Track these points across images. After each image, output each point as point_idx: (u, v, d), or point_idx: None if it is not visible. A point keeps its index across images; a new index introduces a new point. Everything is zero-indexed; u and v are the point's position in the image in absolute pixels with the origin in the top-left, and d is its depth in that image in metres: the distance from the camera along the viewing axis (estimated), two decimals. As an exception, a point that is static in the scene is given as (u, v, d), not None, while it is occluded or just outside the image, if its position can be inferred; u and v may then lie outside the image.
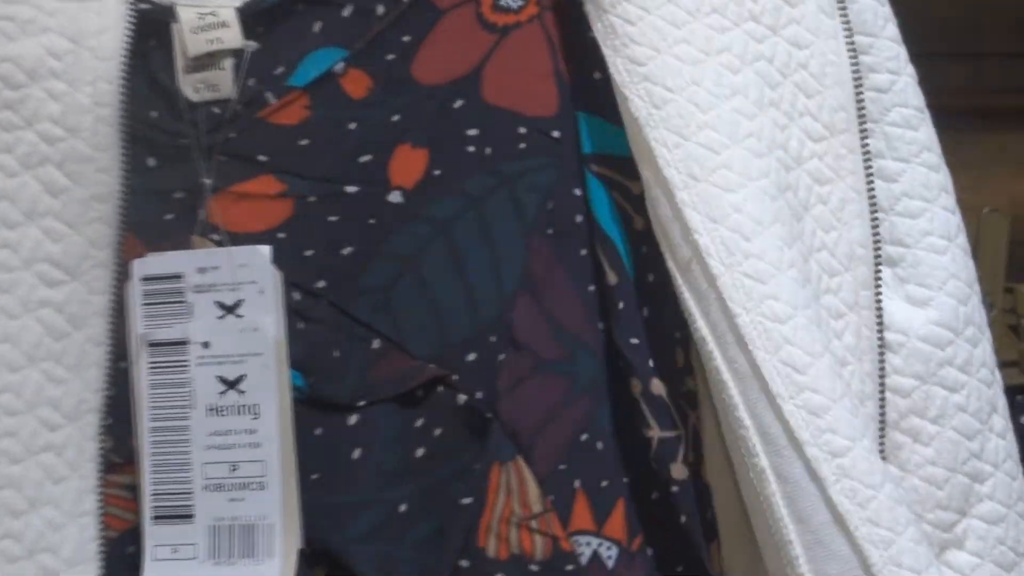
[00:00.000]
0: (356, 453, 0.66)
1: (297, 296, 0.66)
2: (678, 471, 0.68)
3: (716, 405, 0.67)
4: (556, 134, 0.68)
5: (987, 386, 0.75)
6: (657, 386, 0.68)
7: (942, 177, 0.76)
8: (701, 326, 0.65)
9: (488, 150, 0.67)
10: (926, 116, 0.76)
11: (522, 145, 0.67)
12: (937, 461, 0.73)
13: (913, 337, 0.74)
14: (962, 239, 0.76)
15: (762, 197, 0.66)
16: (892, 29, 0.75)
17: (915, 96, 0.76)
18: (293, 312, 0.66)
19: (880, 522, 0.65)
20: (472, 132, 0.67)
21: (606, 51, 0.67)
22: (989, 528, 0.74)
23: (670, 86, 0.66)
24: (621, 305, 0.68)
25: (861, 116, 0.73)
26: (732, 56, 0.68)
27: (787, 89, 0.70)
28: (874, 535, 0.65)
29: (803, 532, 0.65)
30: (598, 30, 0.67)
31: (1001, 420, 0.76)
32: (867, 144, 0.73)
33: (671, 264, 0.66)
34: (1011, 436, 0.76)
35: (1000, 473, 0.75)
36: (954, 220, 0.75)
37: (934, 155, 0.75)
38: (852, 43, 0.73)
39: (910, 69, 0.76)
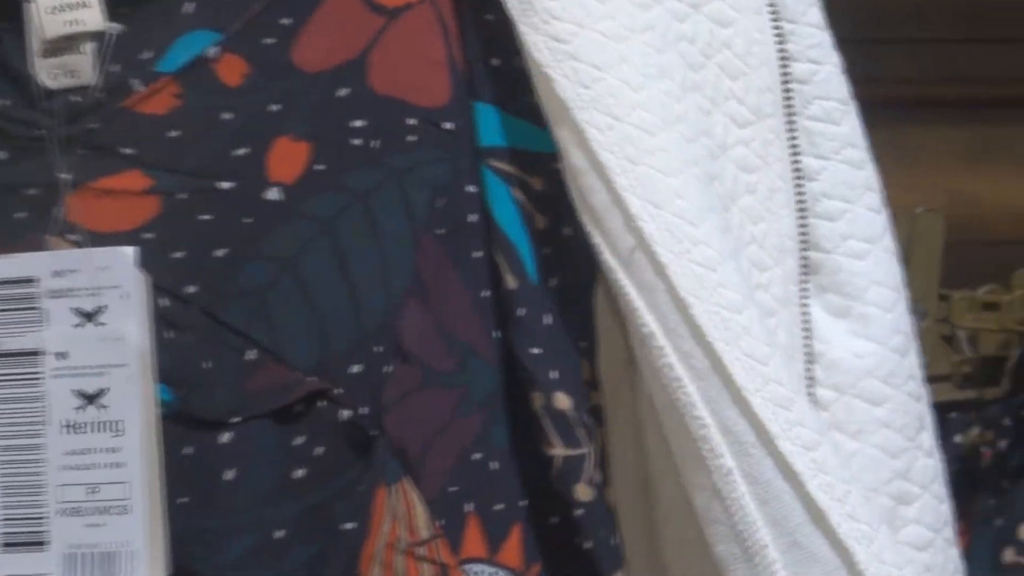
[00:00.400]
0: (229, 474, 0.64)
1: (165, 302, 0.64)
2: (583, 492, 0.66)
3: (661, 409, 0.65)
4: (448, 126, 0.65)
5: (915, 400, 0.74)
6: (561, 400, 0.66)
7: (866, 174, 0.74)
8: (649, 321, 0.63)
9: (375, 143, 0.65)
10: (850, 109, 0.74)
11: (411, 137, 0.65)
12: (858, 480, 0.71)
13: (834, 345, 0.73)
14: (887, 241, 0.74)
15: (697, 184, 0.65)
16: (815, 15, 0.73)
17: (839, 88, 0.74)
18: (160, 319, 0.64)
19: (859, 517, 0.64)
20: (358, 123, 0.65)
21: (523, 29, 0.64)
22: (916, 554, 0.73)
23: (598, 64, 0.64)
24: (521, 312, 0.66)
25: (787, 98, 0.72)
26: (656, 35, 0.67)
27: (711, 71, 0.69)
28: (856, 531, 0.64)
29: (778, 535, 0.63)
30: (513, 7, 0.65)
31: (929, 438, 0.74)
32: (794, 128, 0.73)
33: (608, 257, 0.63)
34: (938, 454, 0.75)
35: (928, 495, 0.73)
36: (879, 221, 0.74)
37: (858, 151, 0.74)
38: (776, 18, 0.72)
39: (835, 58, 0.74)
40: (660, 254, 0.63)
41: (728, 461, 0.63)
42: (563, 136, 0.64)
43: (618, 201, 0.63)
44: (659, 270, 0.63)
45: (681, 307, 0.63)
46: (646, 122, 0.64)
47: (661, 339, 0.63)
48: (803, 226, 0.72)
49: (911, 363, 0.74)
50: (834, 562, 0.64)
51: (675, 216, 0.64)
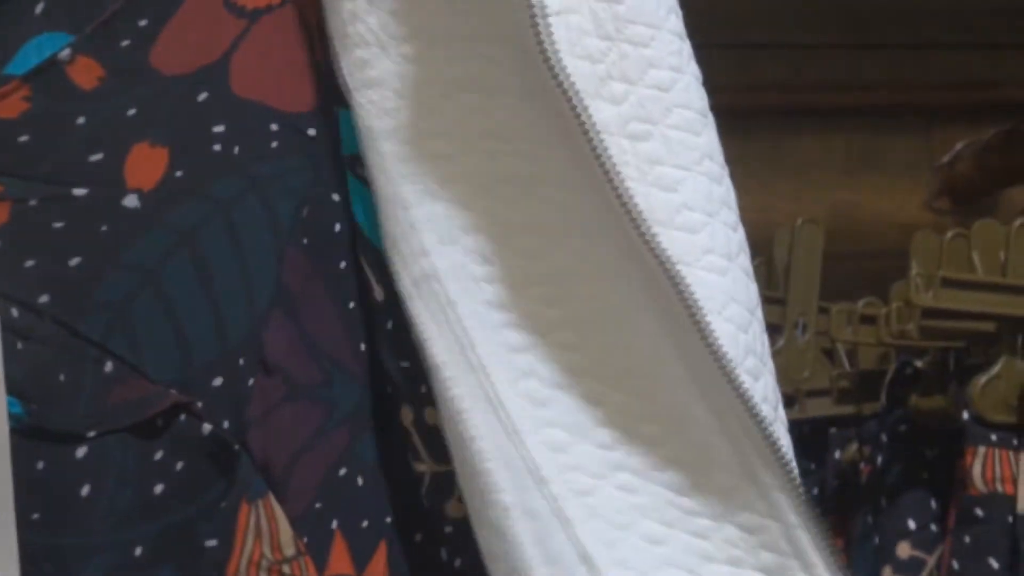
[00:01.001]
0: (85, 489, 0.62)
1: (15, 312, 0.62)
2: (454, 509, 0.66)
3: (451, 441, 0.65)
4: (312, 132, 0.65)
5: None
6: (432, 415, 0.65)
7: (724, 190, 0.72)
8: (438, 351, 0.63)
9: (236, 149, 0.64)
10: (710, 121, 0.72)
11: (274, 144, 0.64)
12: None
13: None
14: (744, 260, 0.72)
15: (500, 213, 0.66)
16: (675, 22, 0.72)
17: (699, 98, 0.72)
18: (10, 330, 0.62)
19: (629, 564, 0.65)
20: (219, 128, 0.64)
21: (337, 49, 0.66)
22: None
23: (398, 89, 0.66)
24: (389, 324, 0.65)
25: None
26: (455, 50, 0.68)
27: None
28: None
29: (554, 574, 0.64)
30: (334, 26, 0.66)
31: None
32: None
33: (403, 284, 0.64)
34: None
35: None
36: (735, 238, 0.72)
37: (716, 165, 0.72)
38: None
39: (694, 68, 0.73)
40: (450, 290, 0.64)
41: (507, 497, 0.63)
42: (371, 161, 0.66)
43: (414, 230, 0.64)
44: (449, 303, 0.64)
45: (468, 343, 0.64)
46: (444, 150, 0.65)
47: (449, 370, 0.64)
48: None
49: (764, 386, 0.72)
50: None
51: (465, 254, 0.65)
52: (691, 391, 0.69)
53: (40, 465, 0.62)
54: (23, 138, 0.63)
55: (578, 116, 0.68)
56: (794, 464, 0.69)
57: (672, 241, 0.69)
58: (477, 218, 0.64)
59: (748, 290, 0.71)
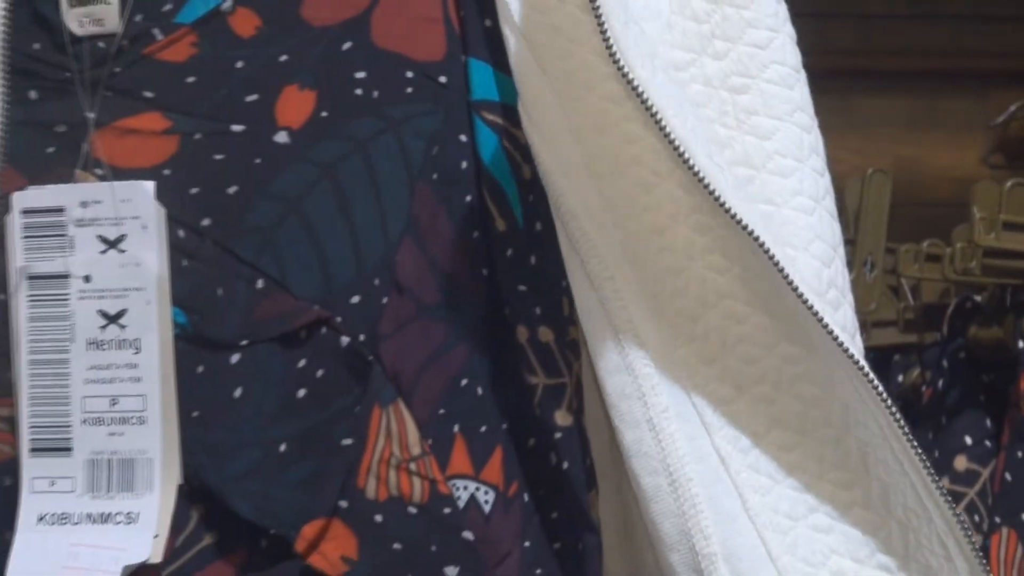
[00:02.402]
0: (237, 392, 0.62)
1: (181, 233, 0.62)
2: (562, 418, 0.66)
3: (597, 356, 0.65)
4: (443, 79, 0.64)
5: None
6: (545, 333, 0.65)
7: (813, 139, 0.71)
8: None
9: (375, 93, 0.63)
10: (802, 76, 0.71)
11: (409, 89, 0.63)
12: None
13: None
14: (830, 202, 0.71)
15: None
16: None
17: (792, 55, 0.71)
18: (177, 249, 0.62)
19: (759, 469, 0.65)
20: (360, 75, 0.63)
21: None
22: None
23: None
24: (509, 252, 0.65)
25: None
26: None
27: None
28: (753, 480, 0.65)
29: (703, 472, 0.65)
30: None
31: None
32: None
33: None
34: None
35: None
36: (823, 182, 0.71)
37: (807, 116, 0.71)
38: None
39: (789, 28, 0.71)
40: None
41: (664, 399, 0.63)
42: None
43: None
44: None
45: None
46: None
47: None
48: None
49: (844, 316, 0.70)
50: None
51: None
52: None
53: (200, 369, 0.62)
54: (190, 79, 0.62)
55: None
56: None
57: (764, 184, 0.68)
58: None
59: (832, 229, 0.70)
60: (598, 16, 0.61)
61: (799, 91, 0.70)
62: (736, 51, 0.69)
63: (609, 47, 0.61)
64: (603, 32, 0.61)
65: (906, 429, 0.65)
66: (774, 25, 0.70)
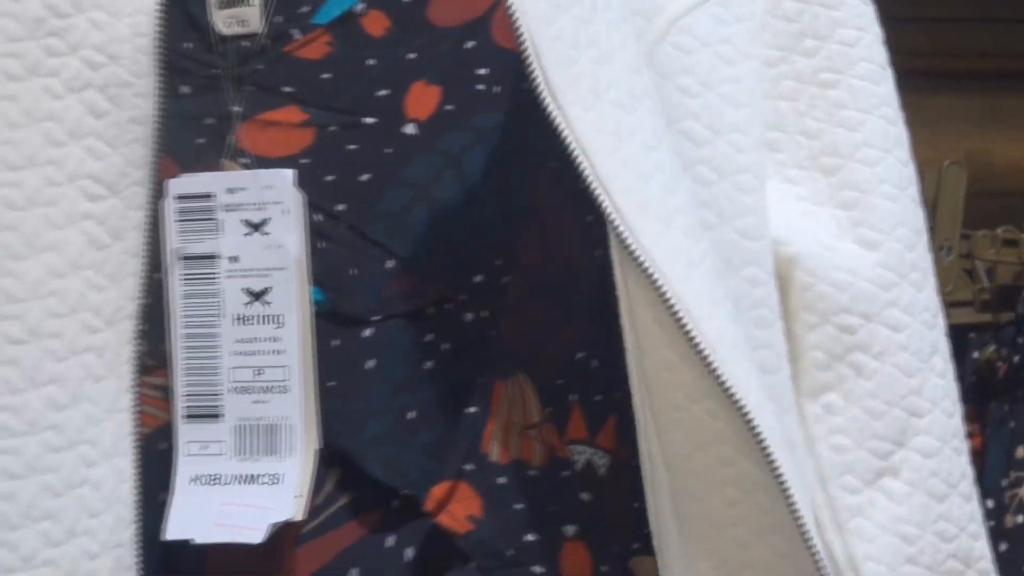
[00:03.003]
0: (370, 363, 0.64)
1: (318, 217, 0.64)
2: None
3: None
4: None
5: (929, 328, 0.71)
6: None
7: (898, 131, 0.72)
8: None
9: (497, 88, 0.64)
10: (888, 73, 0.72)
11: (527, 85, 0.65)
12: (877, 394, 0.69)
13: (860, 278, 0.69)
14: (913, 190, 0.72)
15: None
16: None
17: (879, 53, 0.72)
18: (314, 232, 0.64)
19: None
20: (482, 71, 0.64)
21: None
22: (924, 461, 0.70)
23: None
24: None
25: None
26: None
27: None
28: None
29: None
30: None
31: (941, 361, 0.72)
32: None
33: None
34: (951, 376, 0.72)
35: (937, 411, 0.71)
36: (906, 172, 0.71)
37: (892, 110, 0.71)
38: None
39: (876, 28, 0.72)
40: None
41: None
42: None
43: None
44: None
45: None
46: None
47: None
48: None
49: (927, 296, 0.71)
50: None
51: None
52: None
53: (335, 342, 0.64)
54: (325, 76, 0.64)
55: None
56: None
57: (853, 172, 0.69)
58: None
59: (916, 215, 0.71)
60: None
61: (885, 87, 0.71)
62: (826, 48, 0.70)
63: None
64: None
65: None
66: (862, 25, 0.71)
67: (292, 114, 0.64)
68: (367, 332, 0.64)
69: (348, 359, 0.64)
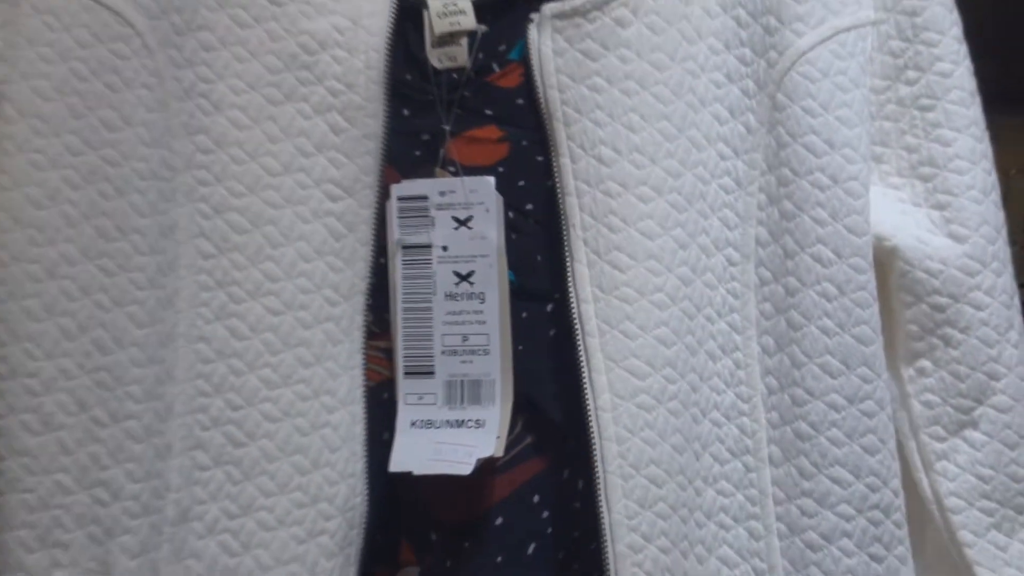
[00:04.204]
0: (551, 332, 0.72)
1: (511, 215, 0.72)
2: None
3: None
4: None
5: (1006, 308, 0.77)
6: None
7: (984, 147, 0.77)
8: None
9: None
10: (976, 99, 0.77)
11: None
12: (962, 360, 0.75)
13: (951, 267, 0.75)
14: (996, 195, 0.78)
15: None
16: (957, 31, 0.77)
17: (969, 82, 0.77)
18: (509, 226, 0.72)
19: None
20: None
21: None
22: (999, 415, 0.76)
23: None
24: None
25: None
26: None
27: None
28: None
29: None
30: None
31: (1016, 334, 0.77)
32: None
33: None
34: None
35: (1012, 375, 0.77)
36: (990, 180, 0.77)
37: (979, 129, 0.77)
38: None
39: (967, 62, 0.77)
40: None
41: None
42: None
43: None
44: None
45: None
46: None
47: None
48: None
49: (1005, 281, 0.77)
50: None
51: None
52: None
53: (524, 315, 0.72)
54: (519, 101, 0.72)
55: None
56: None
57: (946, 180, 0.76)
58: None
59: (997, 215, 0.78)
60: None
61: (974, 110, 0.77)
62: (925, 78, 0.76)
63: None
64: None
65: None
66: (956, 60, 0.77)
67: (491, 132, 0.73)
68: (549, 307, 0.72)
69: (533, 328, 0.72)
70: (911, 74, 0.77)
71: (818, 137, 0.72)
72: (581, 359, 0.69)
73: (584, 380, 0.69)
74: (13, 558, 0.67)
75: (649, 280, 0.70)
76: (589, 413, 0.69)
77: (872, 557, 0.70)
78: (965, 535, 0.74)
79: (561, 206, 0.70)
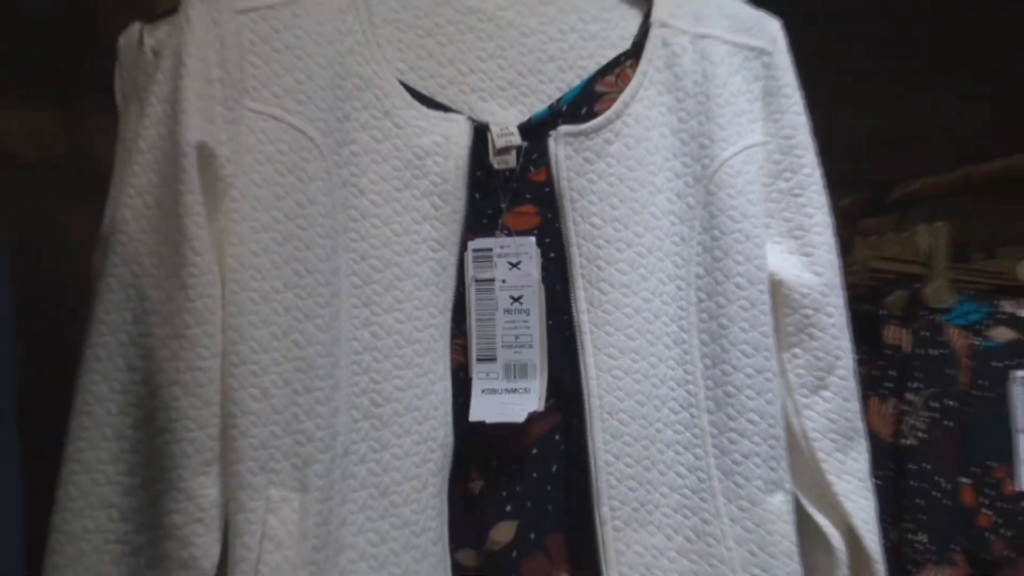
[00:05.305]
0: (566, 333, 1.00)
1: (543, 261, 1.01)
2: None
3: None
4: None
5: (844, 317, 1.05)
6: None
7: (830, 219, 1.06)
8: None
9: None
10: (824, 190, 1.07)
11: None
12: (819, 349, 1.04)
13: (814, 291, 1.05)
14: (836, 248, 1.09)
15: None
16: (813, 148, 1.06)
17: (821, 181, 1.08)
18: (542, 268, 1.01)
19: None
20: None
21: None
22: (841, 382, 1.06)
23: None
24: None
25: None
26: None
27: None
28: None
29: None
30: None
31: (848, 334, 1.08)
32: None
33: None
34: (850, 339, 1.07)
35: (847, 358, 1.07)
36: (834, 239, 1.08)
37: (827, 209, 1.07)
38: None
39: (819, 169, 1.07)
40: None
41: None
42: None
43: None
44: None
45: None
46: None
47: None
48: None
49: (843, 301, 1.06)
50: None
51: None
52: None
53: (551, 323, 1.02)
54: (546, 189, 1.02)
55: None
56: None
57: (811, 239, 1.07)
58: None
59: (837, 261, 1.08)
60: None
61: (824, 197, 1.08)
62: (796, 177, 1.07)
63: None
64: None
65: None
66: (814, 166, 1.08)
67: (529, 209, 1.02)
68: (565, 317, 1.02)
69: (556, 331, 1.02)
70: (787, 174, 1.09)
71: (736, 212, 1.04)
72: (579, 349, 1.00)
73: (580, 362, 1.01)
74: (244, 480, 0.93)
75: (622, 300, 1.01)
76: (583, 382, 1.00)
77: (771, 468, 1.03)
78: (820, 455, 1.06)
79: (568, 254, 1.02)
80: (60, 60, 1.29)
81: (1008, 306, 1.45)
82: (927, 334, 1.41)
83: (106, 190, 1.07)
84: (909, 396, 1.39)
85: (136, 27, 1.06)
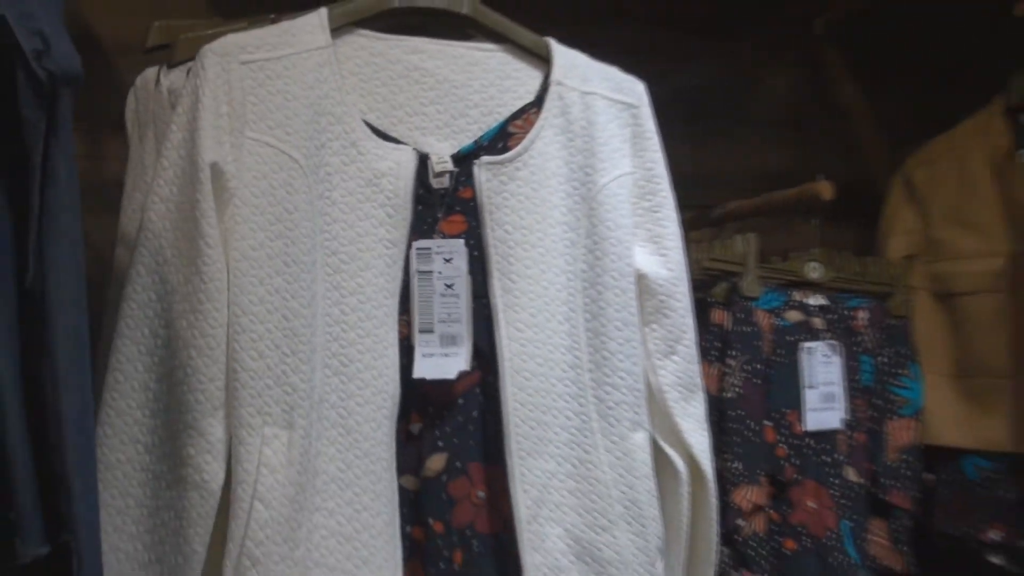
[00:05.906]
0: (486, 313, 1.24)
1: (469, 257, 1.25)
2: None
3: None
4: None
5: (684, 300, 1.30)
6: None
7: (679, 230, 1.34)
8: None
9: None
10: (675, 207, 1.32)
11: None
12: (671, 325, 1.28)
13: (667, 283, 1.28)
14: (683, 250, 1.36)
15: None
16: (668, 176, 1.32)
17: (672, 200, 1.29)
18: (468, 263, 1.24)
19: None
20: None
21: None
22: (685, 348, 1.29)
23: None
24: None
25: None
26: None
27: None
28: None
29: None
30: None
31: (692, 312, 1.35)
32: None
33: None
34: (692, 318, 1.39)
35: (687, 336, 1.34)
36: (682, 244, 1.36)
37: (677, 220, 1.35)
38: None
39: (672, 192, 1.31)
40: None
41: None
42: None
43: None
44: None
45: None
46: None
47: None
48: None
49: (688, 291, 1.31)
50: None
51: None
52: None
53: (474, 306, 1.26)
54: (471, 203, 1.27)
55: None
56: None
57: (665, 244, 1.35)
58: None
59: (682, 262, 1.35)
60: None
61: (676, 213, 1.33)
62: (656, 198, 1.32)
63: None
64: None
65: None
66: (668, 190, 1.33)
67: (459, 218, 1.26)
68: (484, 301, 1.26)
69: (478, 311, 1.26)
70: (649, 196, 1.35)
71: (611, 223, 1.29)
72: (495, 324, 1.25)
73: (496, 333, 1.25)
74: (244, 421, 1.13)
75: (527, 287, 1.26)
76: (497, 348, 1.23)
77: (635, 413, 1.29)
78: (670, 403, 1.32)
79: (487, 252, 1.26)
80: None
81: (798, 295, 1.68)
82: (742, 316, 1.62)
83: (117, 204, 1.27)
84: (729, 361, 1.60)
85: (153, 70, 1.28)
